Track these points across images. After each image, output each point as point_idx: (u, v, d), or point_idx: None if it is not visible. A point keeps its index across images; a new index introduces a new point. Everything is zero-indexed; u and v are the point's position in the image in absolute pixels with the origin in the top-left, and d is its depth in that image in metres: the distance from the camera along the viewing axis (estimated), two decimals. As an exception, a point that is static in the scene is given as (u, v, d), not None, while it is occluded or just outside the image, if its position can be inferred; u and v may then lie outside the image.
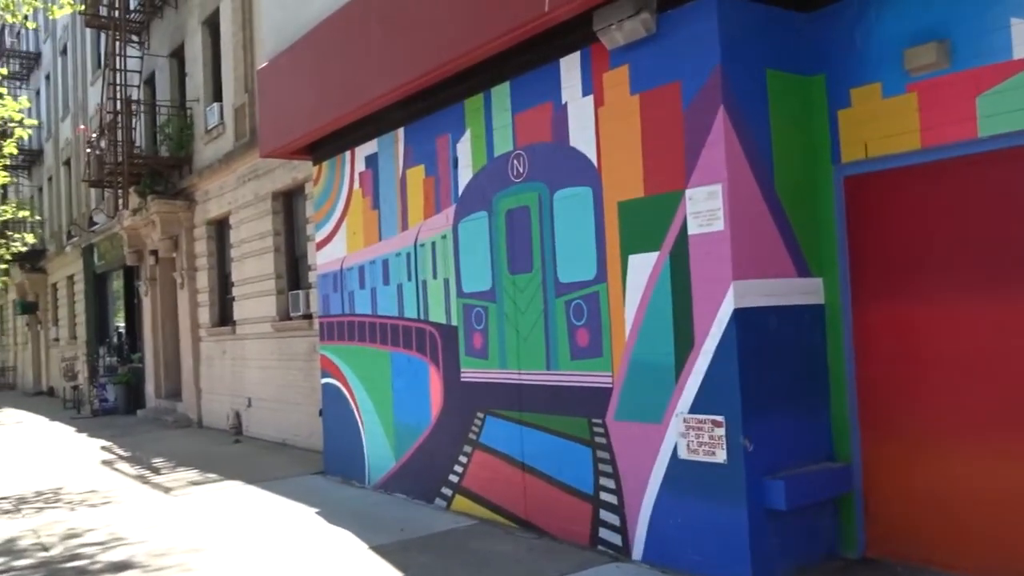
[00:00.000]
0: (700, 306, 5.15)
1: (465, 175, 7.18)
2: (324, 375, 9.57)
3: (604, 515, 5.85)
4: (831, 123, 5.37)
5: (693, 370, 5.20)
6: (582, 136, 5.99)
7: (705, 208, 5.10)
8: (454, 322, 7.34)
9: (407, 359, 8.01)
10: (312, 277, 11.34)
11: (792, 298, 5.26)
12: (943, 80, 4.81)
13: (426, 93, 7.49)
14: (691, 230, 5.20)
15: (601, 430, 5.87)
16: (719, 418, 5.04)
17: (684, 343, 5.25)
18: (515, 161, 6.61)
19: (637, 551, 5.60)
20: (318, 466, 9.92)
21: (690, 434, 5.21)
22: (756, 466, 4.96)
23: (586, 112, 5.95)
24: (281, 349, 12.42)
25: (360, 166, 8.76)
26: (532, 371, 6.47)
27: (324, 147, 9.34)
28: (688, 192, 5.21)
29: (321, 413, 10.74)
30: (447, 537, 6.60)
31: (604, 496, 5.85)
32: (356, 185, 8.84)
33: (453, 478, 7.38)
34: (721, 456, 5.03)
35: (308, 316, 11.58)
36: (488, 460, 6.95)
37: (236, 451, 12.12)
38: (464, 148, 7.18)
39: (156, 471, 10.69)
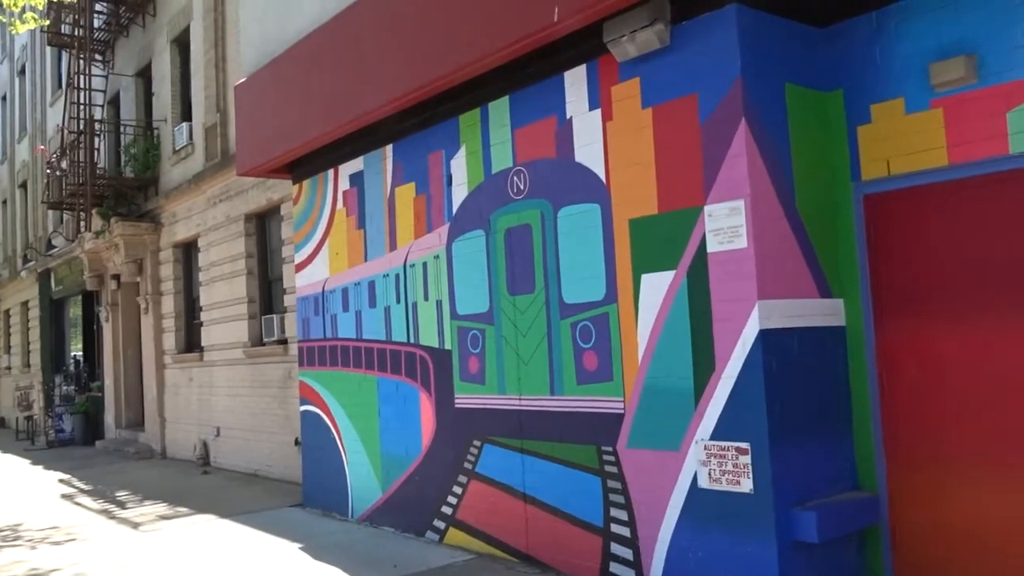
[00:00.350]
0: (721, 327, 4.91)
1: (460, 193, 6.91)
2: (303, 402, 9.15)
3: (615, 548, 5.55)
4: (850, 140, 5.21)
5: (714, 395, 4.95)
6: (589, 151, 5.76)
7: (726, 225, 4.89)
8: (447, 346, 7.02)
9: (395, 385, 7.66)
10: (288, 300, 10.94)
11: (814, 320, 5.06)
12: (971, 95, 4.68)
13: (419, 108, 7.22)
14: (711, 248, 4.98)
15: (612, 458, 5.58)
16: (744, 445, 4.79)
17: (704, 366, 5.01)
18: (515, 178, 6.36)
19: (652, 587, 5.30)
20: (296, 498, 9.47)
21: (712, 462, 4.95)
22: (784, 496, 4.71)
23: (593, 126, 5.73)
24: (253, 376, 11.94)
25: (344, 184, 8.44)
26: (534, 396, 6.17)
27: (305, 165, 9.01)
28: (707, 208, 4.99)
29: (298, 442, 10.33)
30: (444, 574, 6.23)
31: (615, 528, 5.55)
32: (340, 204, 8.51)
33: (446, 510, 7.02)
34: (747, 485, 4.78)
35: (283, 341, 11.14)
36: (486, 491, 6.61)
37: (205, 483, 11.56)
38: (459, 165, 6.92)
39: (121, 505, 10.12)
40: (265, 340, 11.62)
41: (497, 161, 6.53)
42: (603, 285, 5.65)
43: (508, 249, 6.41)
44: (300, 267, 9.21)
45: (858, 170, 5.19)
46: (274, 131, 8.78)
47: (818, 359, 5.06)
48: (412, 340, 7.44)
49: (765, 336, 4.74)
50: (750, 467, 4.76)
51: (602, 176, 5.66)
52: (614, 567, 5.55)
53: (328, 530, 7.90)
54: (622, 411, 5.51)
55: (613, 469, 5.57)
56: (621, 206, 5.53)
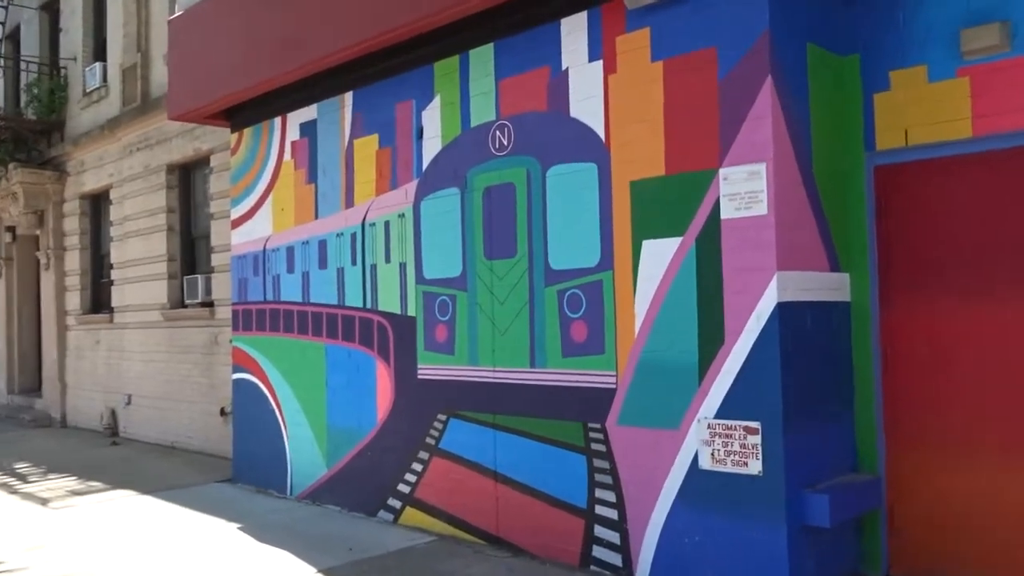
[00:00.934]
0: (733, 299, 4.60)
1: (431, 147, 6.37)
2: (236, 370, 8.45)
3: (600, 531, 5.21)
4: (865, 107, 4.96)
5: (722, 370, 4.64)
6: (587, 106, 5.34)
7: (744, 190, 4.56)
8: (411, 312, 6.51)
9: (347, 353, 7.09)
10: (217, 260, 10.13)
11: (823, 294, 4.81)
12: (1002, 65, 4.48)
13: (386, 53, 6.63)
14: (725, 214, 4.64)
15: (600, 436, 5.22)
16: (754, 424, 4.51)
17: (711, 340, 4.69)
18: (498, 132, 5.87)
19: (641, 572, 4.99)
20: (223, 473, 8.78)
21: (716, 442, 4.66)
22: (794, 479, 4.46)
23: (592, 79, 5.30)
24: (172, 340, 11.06)
25: (293, 134, 7.74)
26: (511, 369, 5.75)
27: (248, 112, 8.25)
28: (723, 171, 4.65)
29: (224, 412, 9.63)
30: (406, 557, 5.77)
31: (600, 510, 5.21)
32: (287, 156, 7.81)
33: (403, 488, 6.54)
34: (755, 467, 4.50)
35: (209, 304, 10.33)
36: (450, 468, 6.17)
37: (116, 454, 10.67)
38: (432, 117, 6.37)
39: (23, 478, 9.18)
40: (187, 302, 10.76)
41: (477, 114, 6.03)
42: (597, 251, 5.25)
43: (487, 209, 5.94)
44: (237, 223, 8.47)
45: (872, 139, 4.95)
46: (214, 72, 7.98)
47: (826, 335, 4.83)
48: (369, 305, 6.88)
49: (782, 309, 4.45)
50: (759, 448, 4.48)
51: (601, 133, 5.25)
52: (598, 551, 5.22)
53: (267, 508, 7.30)
54: (613, 386, 5.15)
55: (601, 447, 5.22)
56: (622, 166, 5.14)
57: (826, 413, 4.78)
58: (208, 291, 10.38)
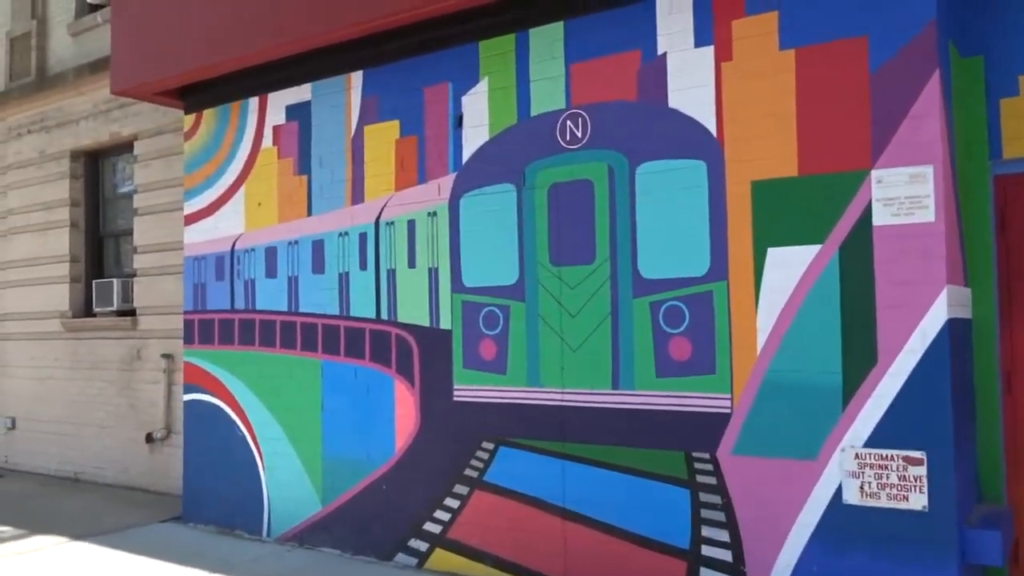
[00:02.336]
0: (890, 314, 4.15)
1: (475, 137, 5.59)
2: (190, 389, 7.21)
3: (706, 575, 4.61)
4: (990, 113, 4.69)
5: (873, 394, 4.18)
6: (691, 96, 4.76)
7: (904, 194, 4.13)
8: (444, 324, 5.67)
9: (354, 371, 6.13)
10: (143, 261, 8.72)
11: (962, 311, 4.46)
12: None
13: (411, 28, 5.79)
14: (878, 220, 4.20)
15: (708, 467, 4.64)
16: (917, 454, 4.07)
17: (859, 360, 4.22)
18: (569, 123, 5.19)
19: (764, 621, 4.44)
20: (159, 510, 7.50)
21: (866, 473, 4.18)
22: (960, 514, 4.05)
23: (700, 66, 4.74)
24: (77, 354, 9.46)
25: (276, 117, 6.69)
26: (587, 390, 5.06)
27: (213, 90, 7.08)
28: (875, 173, 4.21)
29: (151, 439, 8.30)
30: (463, 611, 4.94)
31: (708, 551, 4.62)
32: (267, 142, 6.74)
33: (432, 527, 5.67)
34: (918, 502, 4.06)
35: (129, 312, 8.89)
36: (500, 504, 5.38)
37: (7, 489, 8.96)
38: (475, 103, 5.59)
39: (-103, 525, 7.45)
40: (97, 310, 9.23)
41: (540, 101, 5.31)
42: (706, 258, 4.68)
43: (554, 209, 5.23)
44: (193, 219, 7.25)
45: (999, 147, 4.67)
46: (174, 40, 6.78)
47: (965, 355, 4.48)
48: (386, 316, 5.97)
49: (953, 327, 4.05)
50: (924, 480, 4.05)
51: (711, 127, 4.69)
52: (704, 597, 4.63)
53: (247, 555, 6.18)
54: (728, 410, 4.58)
55: (710, 480, 4.63)
56: (739, 164, 4.60)
57: (967, 440, 4.42)
58: (127, 297, 8.94)
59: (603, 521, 4.98)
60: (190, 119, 7.33)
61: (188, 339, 7.24)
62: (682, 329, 4.76)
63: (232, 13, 6.43)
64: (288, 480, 6.47)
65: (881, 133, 4.21)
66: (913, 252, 4.11)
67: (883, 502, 4.14)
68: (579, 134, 5.15)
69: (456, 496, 5.58)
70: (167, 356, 8.37)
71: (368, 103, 6.14)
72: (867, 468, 4.18)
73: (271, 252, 6.68)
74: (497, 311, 5.45)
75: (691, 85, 4.76)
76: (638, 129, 4.93)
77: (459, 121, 5.66)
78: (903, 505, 4.10)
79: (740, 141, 4.60)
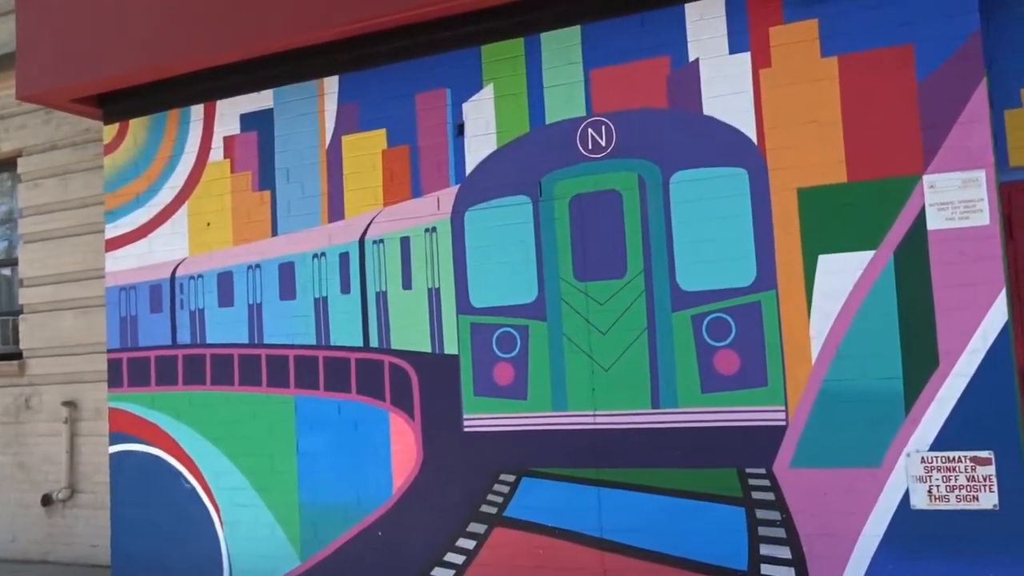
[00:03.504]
0: (950, 317, 4.20)
1: (480, 147, 5.24)
2: (119, 439, 6.25)
3: (769, 595, 4.46)
4: (995, 124, 4.91)
5: (937, 396, 4.20)
6: (728, 103, 4.68)
7: (958, 198, 4.22)
8: (450, 350, 5.23)
9: (337, 406, 5.53)
10: (31, 296, 7.58)
11: (993, 312, 4.61)
12: None
13: (400, 31, 5.39)
14: (932, 224, 4.26)
15: (765, 483, 4.49)
16: (985, 454, 4.11)
17: (921, 363, 4.24)
18: (591, 131, 4.96)
19: (834, 637, 4.32)
20: (79, 583, 6.45)
21: (933, 477, 4.19)
22: (1028, 509, 4.13)
23: (736, 73, 4.67)
24: (-60, 407, 8.05)
25: (228, 127, 6.01)
26: (623, 411, 4.80)
27: (141, 96, 6.27)
28: (927, 178, 4.27)
29: (49, 501, 7.20)
30: (507, 662, 4.49)
31: (769, 570, 4.46)
32: (217, 155, 6.04)
33: (443, 572, 5.17)
34: (989, 501, 4.10)
35: (15, 356, 7.68)
36: (525, 540, 4.98)
37: None
38: (479, 110, 5.25)
39: None
40: (-32, 354, 7.92)
41: (556, 108, 5.06)
42: (752, 268, 4.58)
43: (577, 222, 4.96)
44: (118, 243, 6.35)
45: (1004, 157, 4.90)
46: (100, 38, 5.96)
47: (998, 356, 4.62)
48: (376, 344, 5.44)
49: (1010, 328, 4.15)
50: (994, 478, 4.09)
51: (751, 135, 4.61)
52: (767, 619, 4.45)
53: (216, 623, 5.38)
54: (783, 422, 4.47)
55: (767, 496, 4.49)
56: (783, 172, 4.55)
57: (1006, 437, 4.54)
58: (12, 339, 7.73)
59: (647, 549, 4.71)
60: (112, 129, 6.45)
61: (115, 382, 6.29)
62: (728, 341, 4.61)
63: (178, 8, 5.72)
64: (255, 535, 5.72)
65: (931, 139, 4.28)
66: (970, 255, 4.19)
67: (952, 504, 4.16)
68: (603, 143, 4.93)
69: (471, 536, 5.11)
70: (69, 404, 7.27)
71: (346, 110, 5.63)
72: (934, 471, 4.19)
73: (225, 278, 5.95)
74: (513, 332, 5.08)
75: (727, 92, 4.68)
76: (670, 137, 4.78)
77: (460, 130, 5.29)
78: (973, 506, 4.12)
79: (783, 148, 4.55)
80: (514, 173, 5.13)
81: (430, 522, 5.21)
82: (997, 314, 4.12)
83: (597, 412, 4.86)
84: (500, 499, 5.06)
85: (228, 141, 6.00)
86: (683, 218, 4.73)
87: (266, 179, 5.85)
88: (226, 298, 5.93)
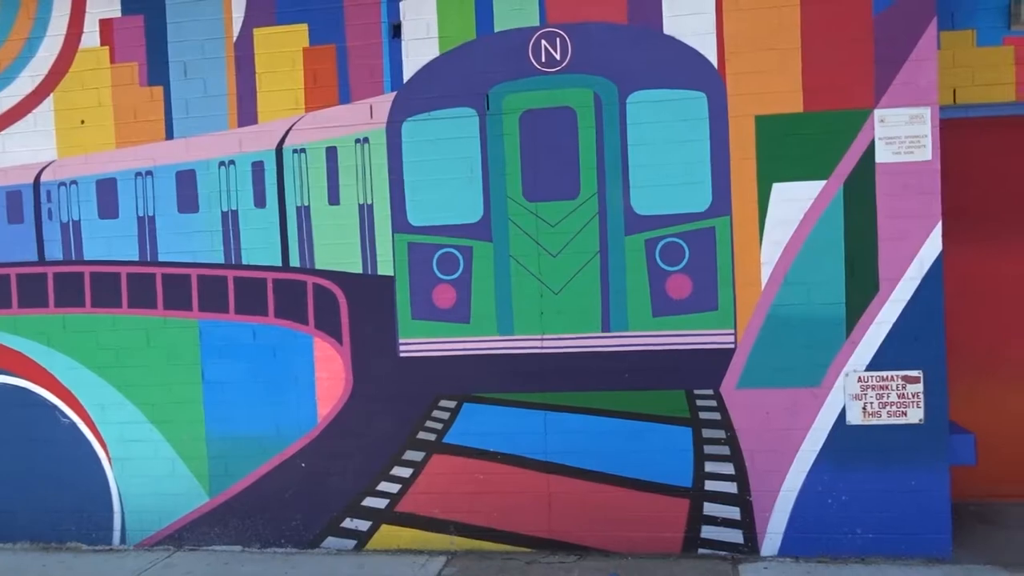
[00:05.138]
0: (891, 246, 4.45)
1: (421, 51, 4.82)
2: (-31, 370, 5.40)
3: (711, 509, 4.65)
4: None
5: (875, 321, 4.48)
6: (688, 24, 4.58)
7: (905, 133, 4.42)
8: (384, 270, 4.90)
9: (251, 331, 5.05)
10: None
11: (912, 241, 4.94)
12: (1044, 38, 5.07)
13: (327, -88, 4.80)
14: (880, 158, 4.44)
15: (712, 403, 4.64)
16: (914, 373, 4.46)
17: (862, 290, 4.48)
18: (545, 42, 4.70)
19: (770, 545, 4.61)
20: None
21: (868, 395, 4.49)
22: (947, 424, 4.53)
23: (699, -7, 4.56)
24: None
25: (105, 7, 5.15)
26: (573, 335, 4.74)
27: (-12, -39, 5.21)
28: (878, 112, 4.43)
29: None
30: (461, 590, 4.42)
31: (712, 485, 4.65)
32: (92, 40, 5.17)
33: (375, 502, 4.95)
34: (915, 416, 4.46)
35: None
36: (465, 466, 4.86)
37: None
38: (419, 10, 4.81)
39: None
40: None
41: (505, 15, 4.73)
42: (707, 194, 4.59)
43: (527, 138, 4.73)
44: (-41, 138, 5.34)
45: (923, 95, 5.20)
46: None
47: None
48: (297, 263, 4.98)
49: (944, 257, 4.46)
50: (921, 396, 4.46)
51: (712, 58, 4.56)
52: (708, 531, 4.66)
53: (111, 573, 4.86)
54: (732, 345, 4.60)
55: (713, 415, 4.64)
56: (741, 98, 4.55)
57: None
58: None
59: (594, 470, 4.75)
60: (-56, 0, 5.32)
61: (-38, 302, 5.38)
62: (681, 266, 4.64)
63: None
64: (153, 471, 5.18)
65: (883, 74, 4.43)
66: (912, 188, 4.42)
67: (884, 420, 4.49)
68: (557, 56, 4.69)
69: (407, 464, 4.92)
70: None
71: (258, 0, 4.97)
72: (869, 390, 4.49)
73: (107, 185, 5.17)
74: (456, 252, 4.83)
75: (688, 12, 4.57)
76: (629, 55, 4.62)
77: (396, 31, 4.83)
78: (902, 420, 4.48)
79: (743, 74, 4.54)
80: (458, 83, 4.78)
81: (361, 451, 4.95)
82: (933, 244, 4.41)
83: (545, 336, 4.76)
84: (439, 426, 4.88)
85: (105, 24, 5.13)
86: (639, 140, 4.64)
87: (158, 73, 5.09)
88: (108, 209, 5.18)
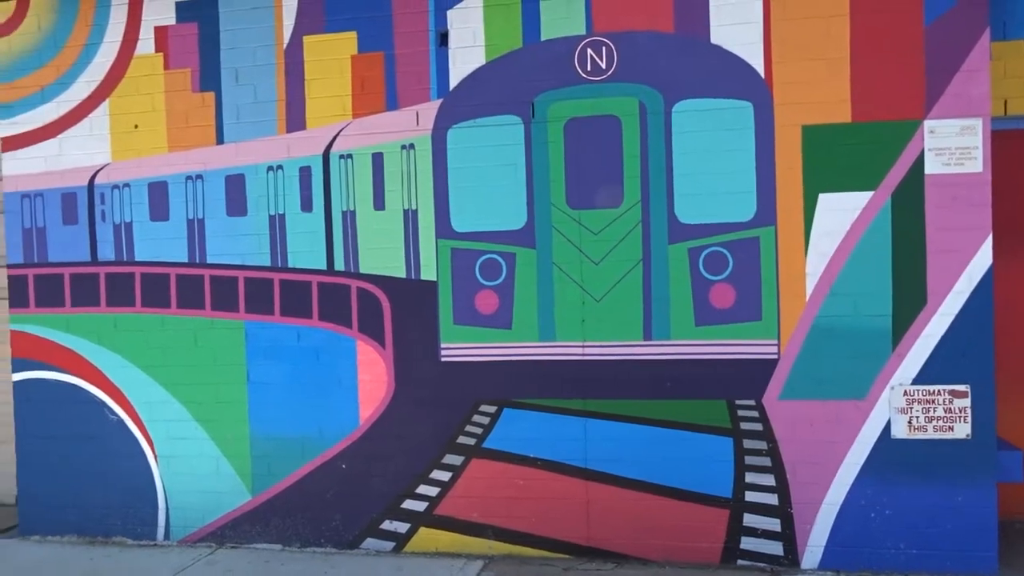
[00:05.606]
0: (940, 259, 4.39)
1: (467, 59, 4.88)
2: (24, 366, 5.54)
3: (751, 520, 4.62)
4: (966, 71, 5.12)
5: (922, 334, 4.42)
6: (736, 33, 4.57)
7: (955, 145, 4.37)
8: (427, 275, 4.95)
9: (295, 333, 5.13)
10: None
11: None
12: (1099, 48, 4.98)
13: (377, -78, 4.88)
14: (930, 169, 4.40)
15: (754, 414, 4.61)
16: (962, 387, 4.39)
17: (909, 302, 4.43)
18: (591, 51, 4.73)
19: (811, 559, 4.56)
20: (-26, 524, 5.77)
21: (914, 409, 4.44)
22: (995, 440, 4.46)
23: (747, 2, 4.55)
24: None
25: (162, 14, 5.28)
26: (614, 343, 4.75)
27: (49, -30, 5.37)
28: (928, 123, 4.39)
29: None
30: (499, 594, 4.44)
31: (753, 496, 4.62)
32: (147, 47, 5.30)
33: (414, 505, 5.00)
34: (962, 431, 4.40)
35: None
36: (505, 471, 4.89)
37: None
38: (466, 19, 4.87)
39: None
40: None
41: (552, 24, 4.77)
42: (752, 203, 4.58)
43: (571, 147, 4.76)
44: (17, 143, 5.50)
45: (973, 106, 5.13)
46: None
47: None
48: (342, 267, 5.05)
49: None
50: (968, 411, 4.39)
51: (759, 67, 4.55)
52: (748, 542, 4.63)
53: (166, 566, 4.96)
54: (775, 356, 4.57)
55: (755, 426, 4.61)
56: (788, 107, 4.53)
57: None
58: None
59: (633, 479, 4.74)
60: (7, 8, 5.49)
61: (18, 301, 5.53)
62: (725, 275, 4.63)
63: None
64: (197, 469, 5.28)
65: (934, 85, 4.38)
66: (962, 200, 4.37)
67: (929, 434, 4.43)
68: (603, 64, 4.71)
69: (447, 467, 4.96)
70: (-56, 323, 6.34)
71: (309, 7, 5.06)
72: (915, 404, 4.44)
73: (158, 188, 5.30)
74: (499, 259, 4.86)
75: (736, 21, 4.57)
76: (675, 64, 4.63)
77: (443, 39, 4.89)
78: (948, 435, 4.42)
79: (790, 83, 4.52)
80: (504, 91, 4.82)
81: (401, 454, 5.00)
82: (983, 257, 4.35)
83: (586, 343, 4.77)
84: (479, 430, 4.92)
85: (160, 32, 5.26)
86: (684, 149, 4.64)
87: (210, 79, 5.20)
88: (159, 211, 5.30)
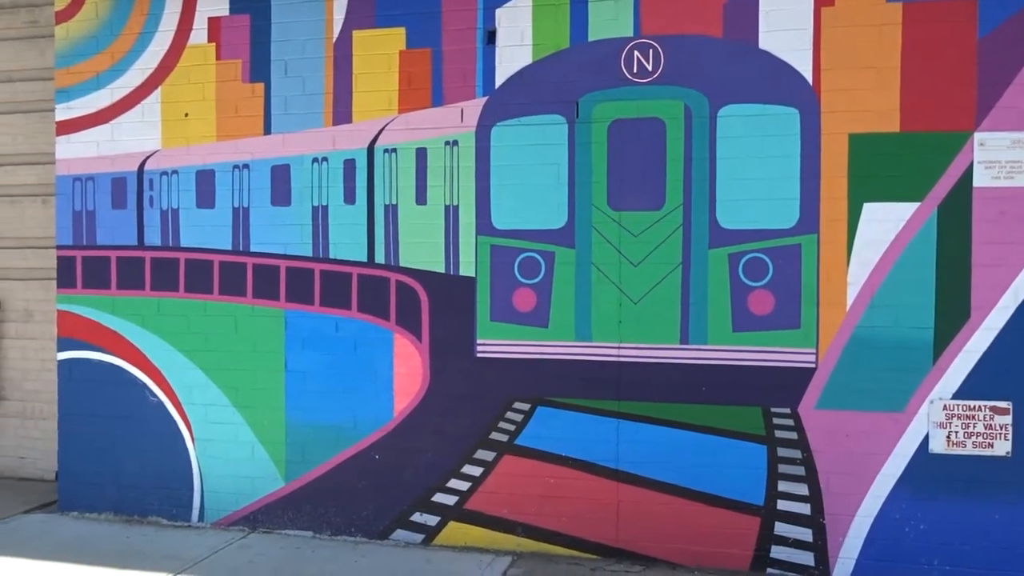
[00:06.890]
0: (985, 272, 4.34)
1: (514, 58, 4.91)
2: (68, 345, 5.67)
3: (782, 529, 4.59)
4: (1018, 86, 5.05)
5: (964, 348, 4.37)
6: (785, 40, 4.55)
7: (1005, 158, 4.31)
8: (465, 271, 4.99)
9: (334, 323, 5.20)
10: (-54, 177, 6.66)
11: None
12: None
13: (430, -80, 4.92)
14: (978, 182, 4.34)
15: (789, 422, 4.58)
16: (1004, 404, 4.33)
17: (952, 316, 4.38)
18: (638, 53, 4.73)
19: (842, 570, 4.52)
20: (11, 498, 5.91)
21: (953, 423, 4.38)
22: (1034, 457, 4.40)
23: (797, 9, 4.53)
24: None
25: (215, 5, 5.37)
26: (650, 345, 4.74)
27: (108, -41, 5.49)
28: (978, 136, 4.34)
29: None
30: (527, 591, 4.46)
31: (785, 505, 4.60)
32: (200, 37, 5.40)
33: (444, 499, 5.04)
34: (1002, 448, 4.34)
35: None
36: (536, 468, 4.91)
37: None
38: (514, 18, 4.90)
39: None
40: None
41: (599, 25, 4.78)
42: (795, 210, 4.55)
43: (615, 148, 4.77)
44: (72, 127, 5.63)
45: None
46: None
47: None
48: (382, 260, 5.11)
49: (1038, 286, 4.34)
50: (1010, 428, 4.33)
51: (807, 74, 4.53)
52: (778, 551, 4.60)
53: (199, 548, 5.04)
54: (813, 365, 4.55)
55: (790, 435, 4.58)
56: (835, 115, 4.50)
57: None
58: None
59: (665, 482, 4.74)
60: (67, -5, 5.63)
61: (66, 282, 5.66)
62: (765, 282, 4.61)
63: None
64: (233, 454, 5.37)
65: (986, 97, 4.33)
66: (1010, 214, 4.31)
67: (968, 450, 4.38)
68: (649, 67, 4.71)
69: (479, 463, 4.99)
70: (-7, 301, 6.53)
71: (359, 2, 5.12)
72: (955, 419, 4.38)
73: (205, 176, 5.39)
74: (538, 257, 4.89)
75: (785, 27, 4.55)
76: (722, 68, 4.62)
77: (491, 37, 4.93)
78: (988, 452, 4.36)
79: (838, 91, 4.49)
80: (549, 90, 4.85)
81: (433, 448, 5.04)
82: (1029, 273, 4.30)
83: (622, 344, 4.78)
84: (512, 427, 4.94)
85: (214, 23, 5.36)
86: (728, 154, 4.63)
87: (260, 70, 5.29)
88: (206, 199, 5.40)
